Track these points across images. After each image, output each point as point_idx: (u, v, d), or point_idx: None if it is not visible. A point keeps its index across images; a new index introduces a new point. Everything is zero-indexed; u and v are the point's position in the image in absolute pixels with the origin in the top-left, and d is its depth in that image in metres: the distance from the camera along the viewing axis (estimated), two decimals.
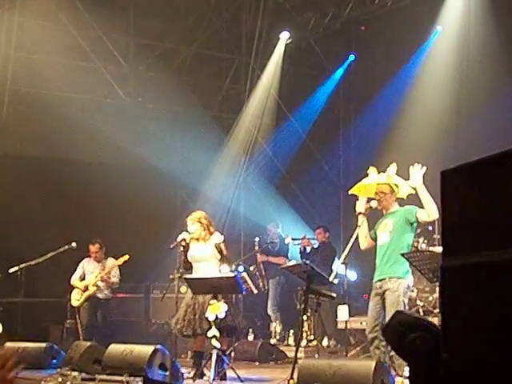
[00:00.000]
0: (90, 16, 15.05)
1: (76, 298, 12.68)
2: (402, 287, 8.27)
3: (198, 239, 9.90)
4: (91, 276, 12.69)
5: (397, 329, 3.26)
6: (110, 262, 12.77)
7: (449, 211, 2.92)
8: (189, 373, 9.38)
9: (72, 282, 12.76)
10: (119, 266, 12.76)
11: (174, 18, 16.28)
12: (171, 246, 9.87)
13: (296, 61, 16.93)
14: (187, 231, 9.93)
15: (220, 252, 9.76)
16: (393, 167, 8.60)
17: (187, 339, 10.15)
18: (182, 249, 9.80)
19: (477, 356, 2.67)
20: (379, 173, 8.69)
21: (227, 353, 9.92)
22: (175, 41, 16.41)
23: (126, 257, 12.62)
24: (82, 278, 12.79)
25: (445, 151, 13.21)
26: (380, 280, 8.42)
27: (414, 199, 8.56)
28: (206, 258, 9.83)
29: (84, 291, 12.60)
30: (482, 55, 13.63)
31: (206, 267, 9.79)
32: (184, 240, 9.79)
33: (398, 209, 8.60)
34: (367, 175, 8.83)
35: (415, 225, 8.47)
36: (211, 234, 9.88)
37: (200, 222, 9.90)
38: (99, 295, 12.69)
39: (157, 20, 16.17)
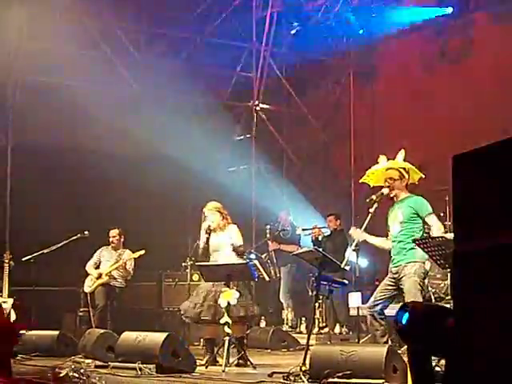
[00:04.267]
0: (101, 5, 15.06)
1: (88, 285, 12.72)
2: (419, 271, 8.31)
3: (216, 229, 9.94)
4: (106, 264, 12.72)
5: (425, 320, 3.25)
6: (127, 254, 12.77)
7: (460, 196, 2.92)
8: (201, 360, 9.42)
9: (86, 268, 12.81)
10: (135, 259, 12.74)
11: (185, 6, 16.26)
12: (205, 237, 9.85)
13: (306, 48, 16.92)
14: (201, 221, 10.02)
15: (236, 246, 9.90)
16: (401, 154, 8.60)
17: (202, 325, 10.18)
18: (207, 236, 9.83)
19: (490, 342, 2.68)
20: (389, 160, 8.68)
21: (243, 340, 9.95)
22: (185, 29, 16.38)
23: (143, 251, 12.60)
24: (98, 266, 12.82)
25: (458, 136, 13.19)
26: (396, 266, 8.44)
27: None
28: (222, 247, 9.91)
29: (97, 279, 12.62)
30: None
31: (224, 256, 9.84)
32: (209, 227, 9.81)
33: (406, 196, 8.57)
34: (377, 163, 8.82)
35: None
36: (228, 223, 9.96)
37: (219, 212, 9.96)
38: (114, 283, 12.71)
39: (167, 8, 16.15)
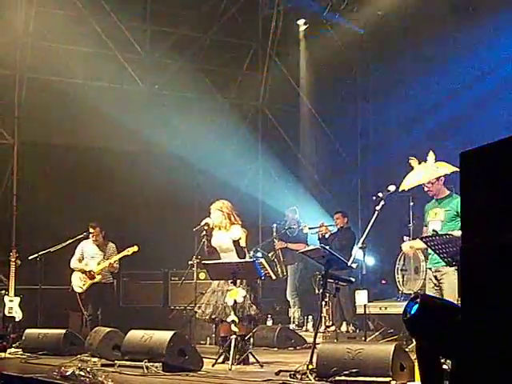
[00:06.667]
0: (107, 3, 15.07)
1: (79, 285, 12.36)
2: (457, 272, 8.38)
3: (219, 228, 9.89)
4: (93, 262, 12.39)
5: (434, 313, 3.24)
6: (111, 247, 12.54)
7: (468, 193, 2.90)
8: (208, 358, 9.38)
9: (72, 266, 12.42)
10: (129, 255, 12.47)
11: (191, 4, 16.26)
12: (194, 229, 9.86)
13: (313, 46, 16.91)
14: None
15: (237, 245, 9.80)
16: (431, 157, 8.63)
17: (212, 324, 10.14)
18: (203, 233, 9.81)
19: (497, 336, 2.66)
20: (420, 163, 8.71)
21: (246, 338, 9.91)
22: (191, 28, 16.38)
23: (136, 248, 12.33)
24: (80, 262, 12.50)
25: (467, 133, 13.16)
26: (435, 266, 8.56)
27: None
28: (223, 248, 9.88)
29: (90, 279, 12.39)
30: None
31: (227, 257, 9.78)
32: (207, 224, 9.78)
33: (447, 194, 8.64)
34: (410, 166, 8.81)
35: None
36: (232, 224, 9.90)
37: (221, 211, 9.89)
38: (102, 280, 12.41)
39: (173, 7, 16.15)
